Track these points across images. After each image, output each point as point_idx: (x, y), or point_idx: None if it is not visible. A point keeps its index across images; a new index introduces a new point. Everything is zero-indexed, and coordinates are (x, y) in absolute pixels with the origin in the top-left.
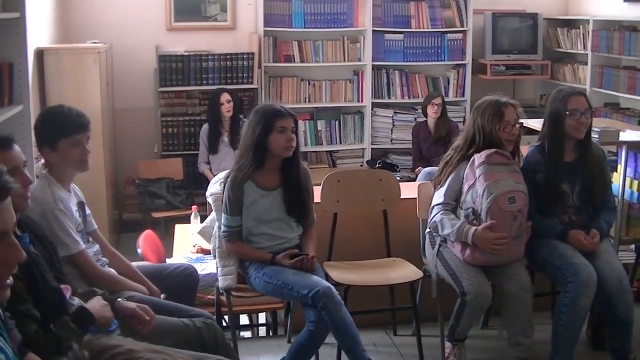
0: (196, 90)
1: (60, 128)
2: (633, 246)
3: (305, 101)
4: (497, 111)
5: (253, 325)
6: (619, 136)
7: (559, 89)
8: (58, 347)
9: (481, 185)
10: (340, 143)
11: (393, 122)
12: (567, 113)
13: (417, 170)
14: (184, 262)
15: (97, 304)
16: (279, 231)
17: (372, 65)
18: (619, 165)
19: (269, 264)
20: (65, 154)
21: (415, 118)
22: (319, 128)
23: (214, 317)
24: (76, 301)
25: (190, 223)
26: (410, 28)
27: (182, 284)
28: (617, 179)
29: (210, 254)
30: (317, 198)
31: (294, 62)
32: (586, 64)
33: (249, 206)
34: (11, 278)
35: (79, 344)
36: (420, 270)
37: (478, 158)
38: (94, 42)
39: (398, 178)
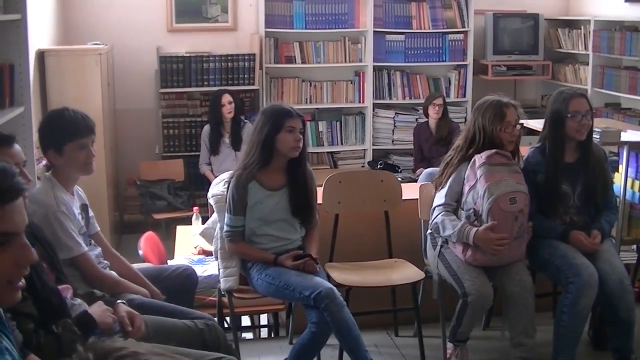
0: (197, 91)
1: (67, 131)
2: (634, 246)
3: (306, 102)
4: (498, 111)
5: (255, 327)
6: (620, 136)
7: (560, 90)
8: (59, 349)
9: (482, 186)
10: (342, 144)
11: (394, 122)
12: (569, 115)
13: (418, 171)
14: (182, 264)
15: (98, 309)
16: (282, 232)
17: (373, 66)
18: (620, 166)
19: (272, 264)
20: (71, 157)
21: (417, 119)
22: (320, 129)
23: (215, 319)
24: (78, 302)
25: (191, 224)
26: (412, 29)
27: (181, 285)
28: (618, 179)
29: (211, 255)
30: (318, 199)
31: (295, 63)
32: (587, 64)
33: (253, 206)
34: (23, 280)
35: (84, 347)
36: (422, 271)
37: (479, 159)
38: (95, 44)
39: (399, 179)
